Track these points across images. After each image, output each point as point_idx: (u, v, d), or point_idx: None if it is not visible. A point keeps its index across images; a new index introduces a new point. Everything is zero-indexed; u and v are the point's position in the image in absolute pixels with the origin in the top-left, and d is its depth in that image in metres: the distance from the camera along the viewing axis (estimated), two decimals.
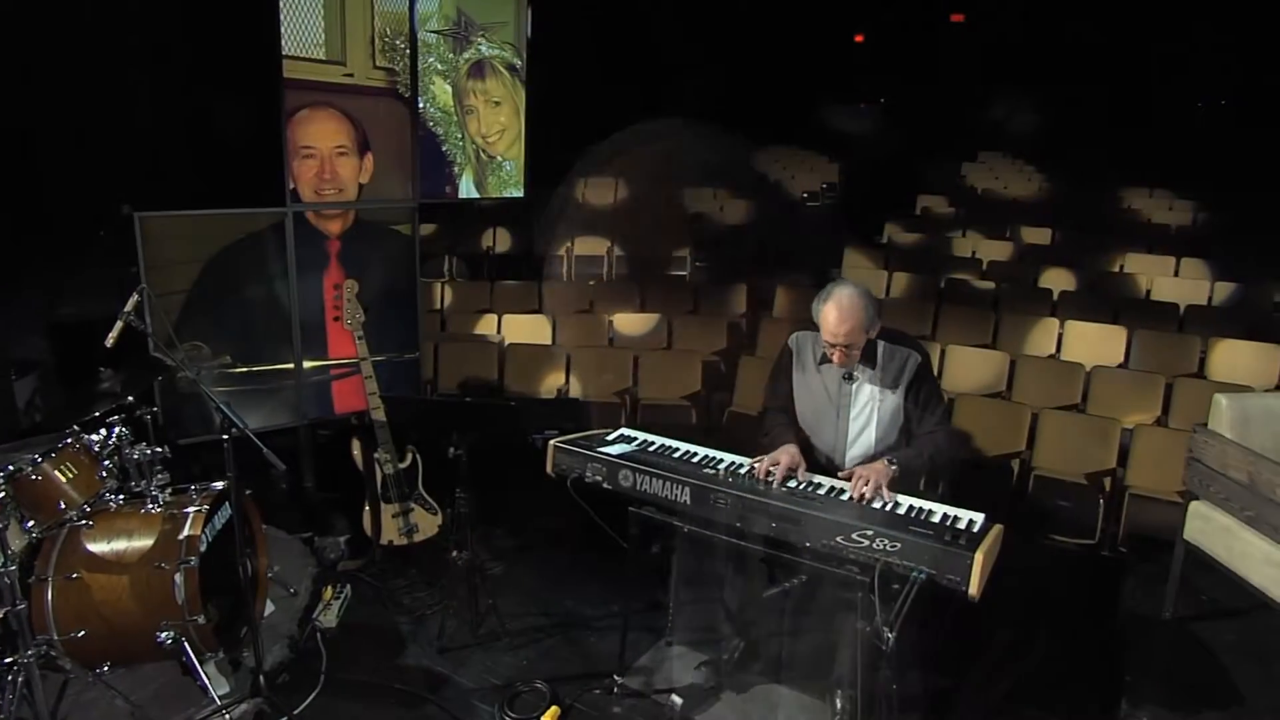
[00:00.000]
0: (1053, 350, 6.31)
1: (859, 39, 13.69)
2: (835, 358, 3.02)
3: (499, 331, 6.96)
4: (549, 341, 6.83)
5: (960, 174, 11.66)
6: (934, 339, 6.43)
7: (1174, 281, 7.41)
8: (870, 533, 2.61)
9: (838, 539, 2.66)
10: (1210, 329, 6.22)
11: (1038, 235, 8.88)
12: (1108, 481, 4.78)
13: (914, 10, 12.06)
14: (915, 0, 12.12)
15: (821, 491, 2.91)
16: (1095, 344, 6.19)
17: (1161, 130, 11.79)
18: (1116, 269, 7.88)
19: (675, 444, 3.29)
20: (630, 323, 7.06)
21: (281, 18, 3.78)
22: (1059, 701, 3.29)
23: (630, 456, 3.13)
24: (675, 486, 2.96)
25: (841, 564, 2.69)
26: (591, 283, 8.28)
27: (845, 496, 2.87)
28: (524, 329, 6.95)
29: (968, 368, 5.95)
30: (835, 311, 2.93)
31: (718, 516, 2.88)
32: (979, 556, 2.47)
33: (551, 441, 3.24)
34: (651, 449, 3.25)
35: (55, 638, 3.05)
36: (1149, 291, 7.28)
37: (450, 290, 7.84)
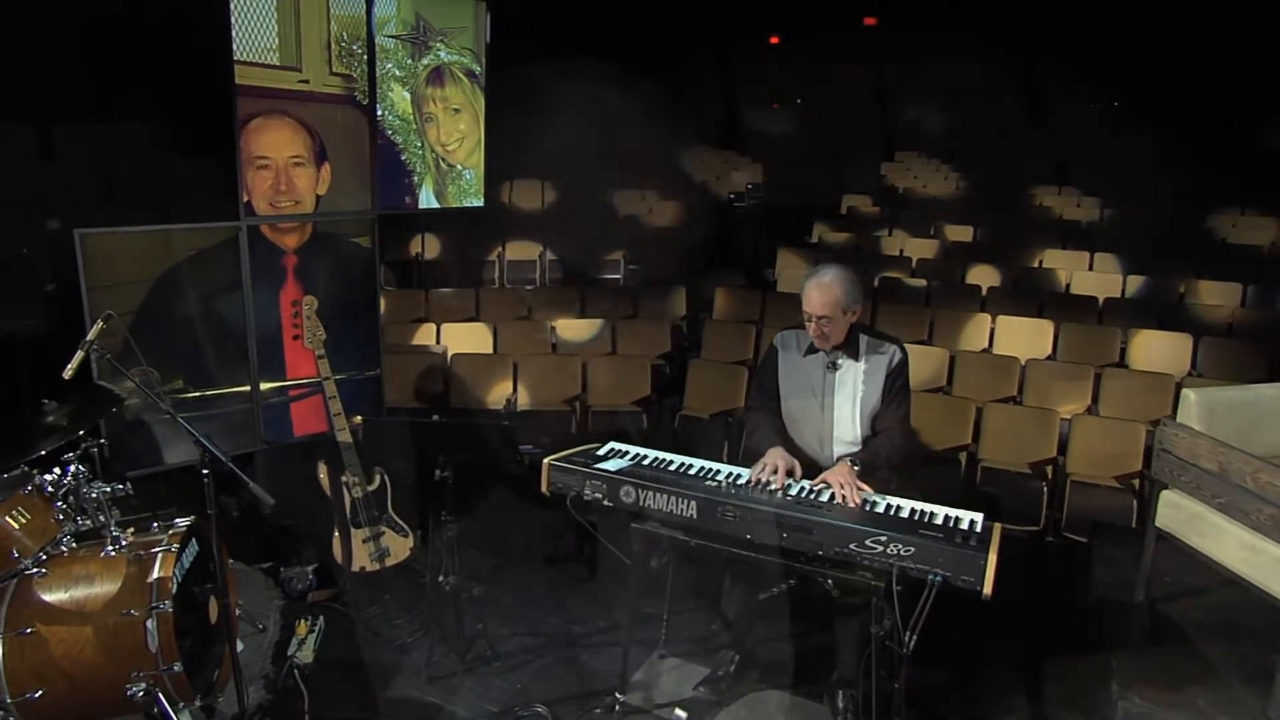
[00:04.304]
0: (986, 344, 6.57)
1: (774, 41, 13.97)
2: (812, 332, 3.15)
3: (439, 341, 6.76)
4: (490, 350, 6.68)
5: (881, 173, 12.03)
6: None
7: (1090, 275, 7.82)
8: (884, 538, 2.65)
9: (851, 546, 2.69)
10: (1127, 320, 6.61)
11: (960, 233, 9.23)
12: (1049, 470, 5.02)
13: (828, 13, 12.40)
14: (829, 3, 12.45)
15: (824, 499, 2.94)
16: (1025, 337, 6.46)
17: (1060, 130, 12.48)
18: (1036, 264, 8.28)
19: (668, 456, 3.26)
20: (573, 328, 6.97)
21: (233, 22, 3.55)
22: (1048, 687, 3.43)
23: (630, 472, 3.08)
24: (681, 501, 2.93)
25: (854, 570, 2.73)
26: (529, 288, 8.15)
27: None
28: (464, 338, 6.77)
29: (910, 365, 6.12)
30: (815, 286, 3.10)
31: (727, 529, 2.87)
32: (992, 557, 2.56)
33: (547, 459, 3.16)
34: (647, 462, 3.21)
35: (8, 700, 2.76)
36: (1068, 285, 7.67)
37: (383, 300, 7.56)
